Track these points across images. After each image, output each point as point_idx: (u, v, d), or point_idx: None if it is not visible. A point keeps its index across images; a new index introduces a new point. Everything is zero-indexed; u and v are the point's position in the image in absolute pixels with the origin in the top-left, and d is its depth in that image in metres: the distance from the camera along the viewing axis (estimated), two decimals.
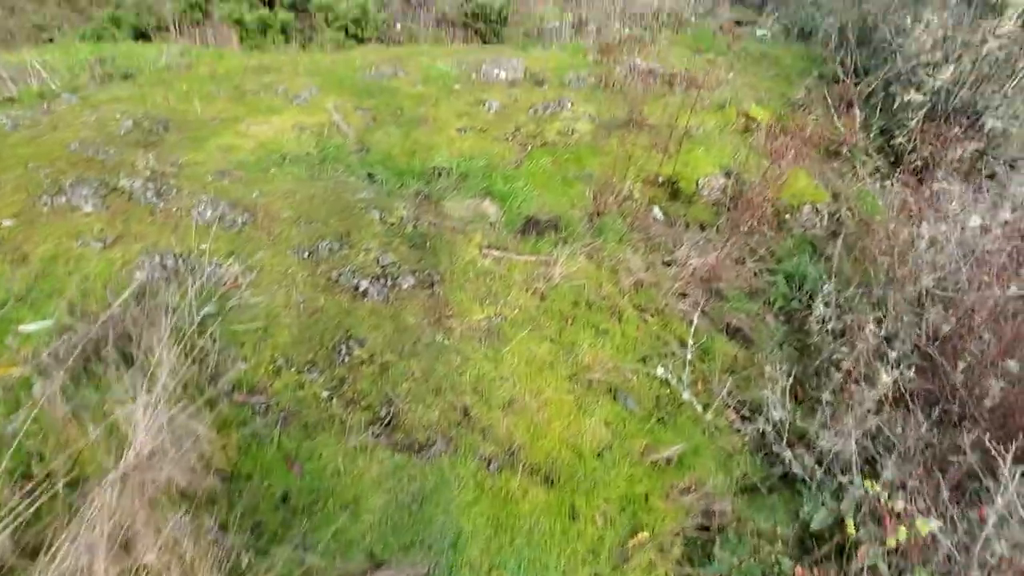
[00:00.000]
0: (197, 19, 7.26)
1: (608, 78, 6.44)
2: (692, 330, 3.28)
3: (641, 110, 6.01)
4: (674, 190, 5.09)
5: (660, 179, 5.14)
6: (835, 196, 5.54)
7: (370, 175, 4.60)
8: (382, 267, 3.26)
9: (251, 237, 3.39)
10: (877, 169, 5.72)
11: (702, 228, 4.85)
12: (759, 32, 8.76)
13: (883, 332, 3.56)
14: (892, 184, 5.76)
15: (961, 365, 3.09)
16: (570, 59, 7.16)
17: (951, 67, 4.77)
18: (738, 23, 11.15)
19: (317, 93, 5.65)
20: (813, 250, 5.04)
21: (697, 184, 5.05)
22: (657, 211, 4.91)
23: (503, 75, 6.24)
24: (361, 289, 3.11)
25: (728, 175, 5.19)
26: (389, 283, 3.19)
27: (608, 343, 3.28)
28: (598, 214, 4.66)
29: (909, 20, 5.00)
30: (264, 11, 6.93)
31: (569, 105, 5.86)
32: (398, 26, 8.78)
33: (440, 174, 4.71)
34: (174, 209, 3.57)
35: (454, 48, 7.75)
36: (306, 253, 3.28)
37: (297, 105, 5.38)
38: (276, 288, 3.04)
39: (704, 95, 6.23)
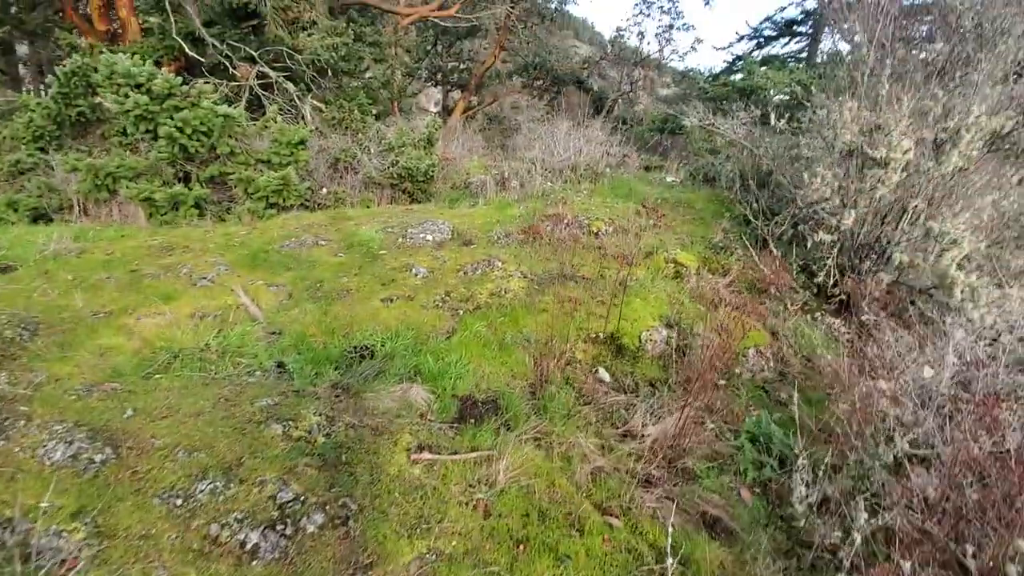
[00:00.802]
0: (104, 198, 6.86)
1: (536, 233, 6.44)
2: (669, 541, 2.72)
3: (572, 263, 5.94)
4: (618, 347, 4.81)
5: (601, 336, 4.86)
6: (773, 334, 5.46)
7: (280, 365, 4.02)
8: (280, 507, 2.57)
9: (110, 482, 2.64)
10: (805, 304, 5.78)
11: (652, 386, 4.50)
12: (668, 179, 9.42)
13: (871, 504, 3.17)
14: (821, 318, 5.81)
15: (971, 549, 2.69)
16: (497, 215, 7.22)
17: (851, 212, 5.03)
18: (647, 168, 12.12)
19: (226, 271, 5.19)
20: (767, 396, 4.79)
21: (640, 339, 4.80)
22: (603, 372, 4.55)
23: (430, 238, 6.10)
24: (249, 546, 2.38)
25: (670, 325, 5.01)
26: (289, 529, 2.49)
27: (571, 574, 2.64)
28: (541, 383, 4.23)
29: (805, 175, 5.35)
30: (177, 188, 6.66)
31: (499, 264, 5.69)
32: (324, 190, 8.77)
33: (362, 356, 4.20)
34: (16, 449, 2.80)
35: (381, 210, 7.70)
36: (179, 500, 2.55)
37: (201, 287, 4.86)
38: (130, 564, 2.26)
39: (630, 243, 6.30)
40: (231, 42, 10.59)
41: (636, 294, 5.37)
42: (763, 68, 12.85)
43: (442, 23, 19.50)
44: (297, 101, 10.88)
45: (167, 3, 9.99)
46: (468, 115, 23.76)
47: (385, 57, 14.02)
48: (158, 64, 11.49)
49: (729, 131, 6.71)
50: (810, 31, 24.10)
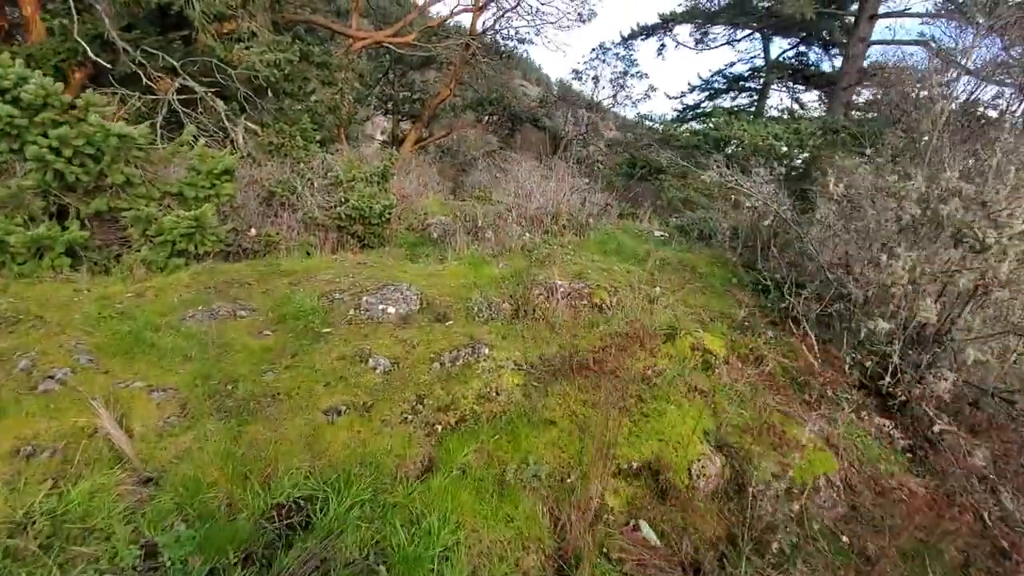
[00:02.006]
0: None
1: (525, 302, 5.11)
2: None
3: (576, 347, 4.64)
4: (659, 484, 3.49)
5: (635, 465, 3.54)
6: (828, 441, 4.35)
7: (151, 553, 2.41)
8: None
9: None
10: (856, 404, 4.73)
11: (717, 551, 3.19)
12: (656, 233, 8.43)
13: None
14: (869, 417, 4.76)
15: None
16: (472, 275, 5.84)
17: (927, 299, 4.05)
18: (620, 216, 11.16)
19: (88, 364, 3.49)
20: (852, 552, 3.61)
21: (689, 471, 3.51)
22: (646, 528, 3.21)
23: (392, 310, 4.61)
24: None
25: (720, 447, 3.76)
26: None
27: None
28: (568, 560, 2.83)
29: (881, 253, 4.35)
30: (43, 228, 4.83)
31: (486, 350, 4.29)
32: (252, 232, 7.09)
33: (291, 527, 2.65)
34: None
35: (324, 261, 6.13)
36: None
37: (42, 395, 3.14)
38: None
39: (642, 318, 5.09)
40: (148, 48, 8.80)
41: (666, 396, 4.11)
42: (728, 118, 12.43)
43: (397, 51, 18.33)
44: (227, 122, 9.17)
45: (71, 1, 8.15)
46: (419, 147, 22.50)
47: (335, 80, 12.54)
48: (59, 70, 9.50)
49: (753, 191, 5.76)
50: (759, 87, 24.88)
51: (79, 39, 8.21)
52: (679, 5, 25.57)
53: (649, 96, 26.93)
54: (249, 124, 10.02)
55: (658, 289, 5.84)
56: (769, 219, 6.49)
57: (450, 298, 5.15)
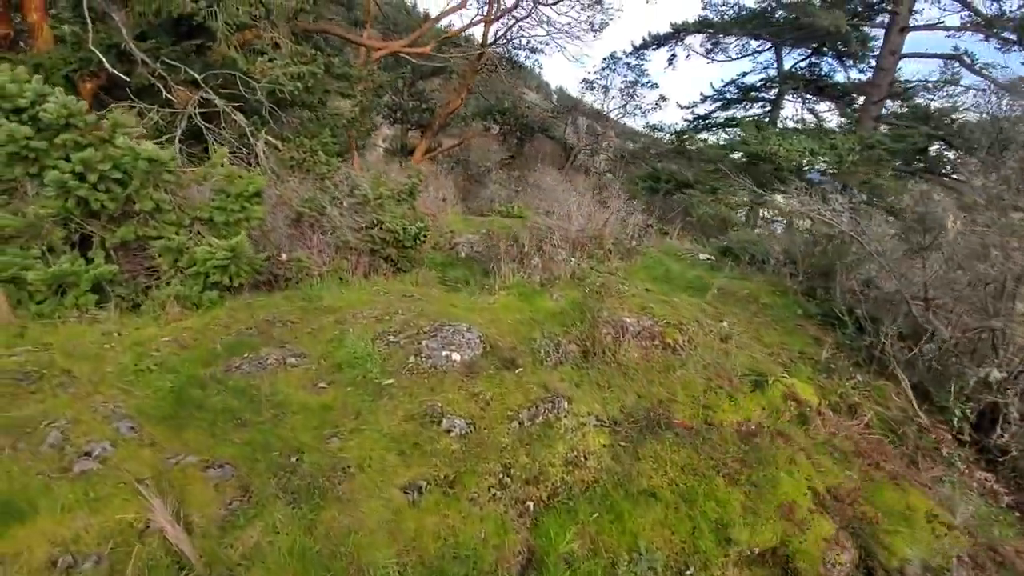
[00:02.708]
0: None
1: (593, 343, 4.66)
2: None
3: (658, 398, 4.18)
4: (786, 573, 3.03)
5: (757, 551, 3.08)
6: (943, 505, 3.89)
7: None
8: None
9: None
10: (968, 462, 4.28)
11: None
12: (701, 256, 8.00)
13: None
14: (969, 471, 4.32)
15: None
16: (528, 309, 5.39)
17: None
18: (663, 233, 10.73)
19: (130, 433, 3.01)
20: None
21: (823, 561, 3.05)
22: None
23: (457, 357, 4.14)
24: None
25: (845, 525, 3.31)
26: None
27: None
28: None
29: (997, 299, 3.91)
30: (65, 262, 4.35)
31: (565, 404, 3.83)
32: (283, 257, 6.62)
33: None
34: None
35: (367, 294, 5.66)
36: None
37: (80, 479, 2.66)
38: None
39: (720, 360, 4.64)
40: (168, 60, 8.35)
41: (772, 459, 3.65)
42: (760, 132, 11.97)
43: (413, 61, 17.92)
44: (250, 137, 8.71)
45: (85, 8, 7.69)
46: (428, 157, 22.06)
47: (354, 92, 12.10)
48: (69, 80, 9.03)
49: (832, 219, 5.32)
50: (771, 97, 24.57)
51: (94, 49, 7.74)
52: (693, 14, 25.25)
53: (660, 106, 26.45)
54: (270, 139, 9.56)
55: (726, 324, 5.39)
56: (825, 244, 6.06)
57: (511, 338, 4.69)
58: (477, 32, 19.83)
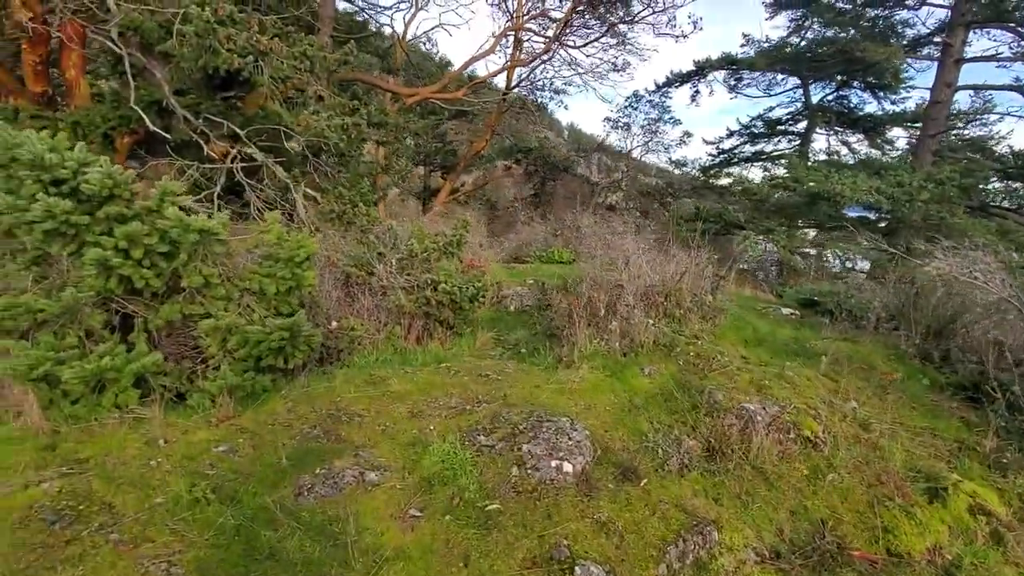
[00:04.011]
0: None
1: (716, 438, 3.88)
2: None
3: (817, 516, 3.37)
4: None
5: None
6: None
7: None
8: None
9: None
10: None
11: None
12: (784, 311, 7.22)
13: None
14: None
15: None
16: (620, 387, 4.65)
17: None
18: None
19: None
20: None
21: None
22: None
23: (569, 467, 3.39)
24: None
25: None
26: None
27: None
28: None
29: None
30: (106, 359, 3.72)
31: (714, 534, 3.05)
32: (334, 324, 6.00)
33: None
34: None
35: (438, 376, 4.96)
36: None
37: None
38: None
39: (871, 457, 3.82)
40: (209, 115, 7.99)
41: None
42: (828, 169, 11.28)
43: (445, 106, 17.74)
44: (292, 190, 8.25)
45: (127, 65, 7.39)
46: (453, 199, 21.73)
47: (390, 139, 11.76)
48: (107, 137, 8.72)
49: (986, 284, 4.57)
50: (799, 131, 24.09)
51: (136, 107, 7.39)
52: (716, 51, 25.19)
53: (685, 142, 26.04)
54: (308, 191, 9.11)
55: (854, 404, 4.59)
56: (938, 297, 5.27)
57: (619, 433, 3.93)
58: (501, 74, 19.72)
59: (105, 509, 2.79)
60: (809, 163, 14.59)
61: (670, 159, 27.26)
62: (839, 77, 21.39)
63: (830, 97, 22.78)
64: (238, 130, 7.80)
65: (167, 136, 7.67)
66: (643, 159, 27.87)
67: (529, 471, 3.34)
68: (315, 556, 2.64)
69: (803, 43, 20.20)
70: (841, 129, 22.90)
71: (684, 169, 26.38)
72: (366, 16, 16.70)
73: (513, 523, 2.97)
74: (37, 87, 8.97)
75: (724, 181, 24.19)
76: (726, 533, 3.08)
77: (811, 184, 10.17)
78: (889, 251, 5.14)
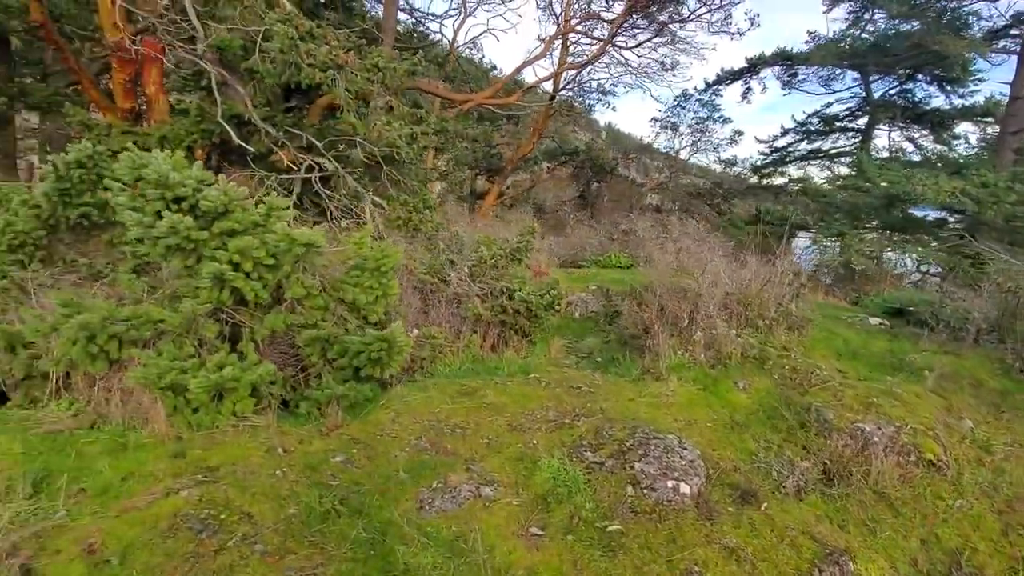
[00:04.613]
0: (100, 370, 4.07)
1: (832, 460, 3.71)
2: None
3: (950, 545, 3.17)
4: None
5: None
6: None
7: None
8: None
9: None
10: None
11: None
12: (872, 321, 6.88)
13: None
14: None
15: None
16: (716, 403, 4.52)
17: None
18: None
19: None
20: None
21: None
22: None
23: (685, 488, 3.31)
24: None
25: None
26: None
27: None
28: None
29: None
30: (227, 369, 3.86)
31: (849, 564, 2.91)
32: (415, 332, 6.08)
33: None
34: None
35: (530, 388, 4.92)
36: None
37: None
38: None
39: (997, 482, 3.57)
40: (288, 128, 8.25)
41: None
42: (907, 170, 10.70)
43: (493, 110, 17.80)
44: (366, 198, 8.43)
45: (213, 81, 7.70)
46: (499, 202, 21.72)
47: (448, 146, 11.89)
48: (190, 151, 9.12)
49: None
50: (858, 127, 23.00)
51: (222, 121, 7.69)
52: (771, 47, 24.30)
53: (736, 141, 25.26)
54: (376, 199, 9.28)
55: (969, 423, 4.31)
56: None
57: (727, 452, 3.82)
58: (548, 77, 19.61)
59: (245, 519, 2.89)
60: (875, 161, 13.89)
61: (718, 158, 26.55)
62: (904, 71, 20.31)
63: (893, 91, 21.65)
64: (316, 141, 8.01)
65: (249, 148, 7.94)
66: (690, 159, 27.25)
67: (645, 491, 3.27)
68: (451, 574, 2.65)
69: (864, 36, 19.26)
70: (905, 124, 21.74)
71: (734, 169, 25.65)
72: (424, 26, 16.94)
73: (638, 546, 2.91)
74: (126, 104, 9.45)
75: (778, 181, 23.38)
76: (860, 563, 2.93)
77: (884, 184, 9.64)
78: (1002, 256, 4.77)
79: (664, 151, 27.47)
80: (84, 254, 6.33)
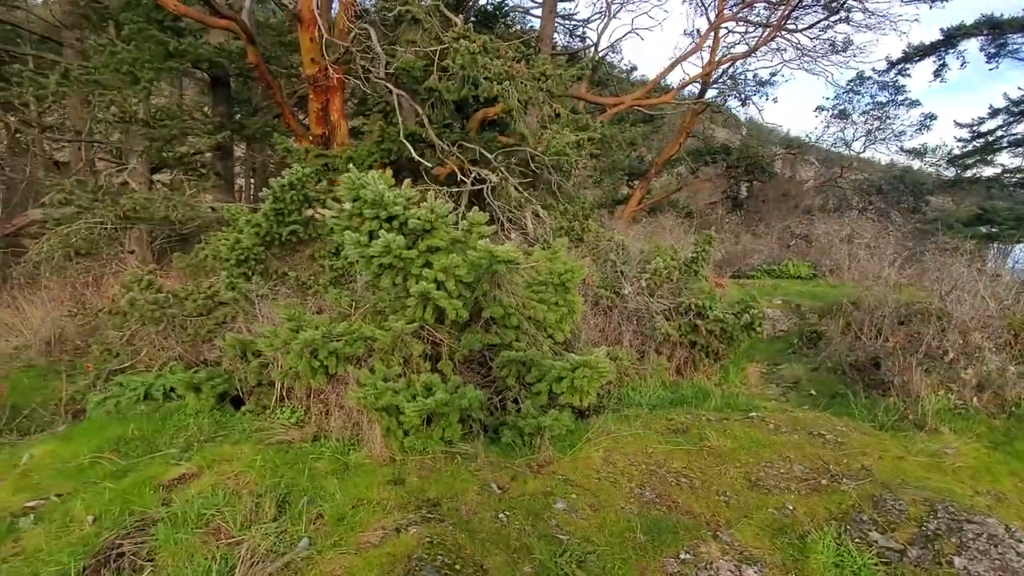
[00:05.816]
0: (319, 384, 4.16)
1: None
2: None
3: None
4: None
5: None
6: None
7: None
8: None
9: None
10: None
11: None
12: None
13: None
14: None
15: None
16: (1013, 468, 3.36)
17: None
18: None
19: None
20: None
21: None
22: None
23: None
24: None
25: None
26: None
27: None
28: None
29: None
30: (438, 392, 3.68)
31: None
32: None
33: None
34: None
35: (756, 430, 4.15)
36: None
37: None
38: None
39: None
40: (458, 141, 8.34)
41: None
42: None
43: (645, 112, 16.84)
44: (528, 208, 8.22)
45: (396, 104, 8.00)
46: (641, 207, 20.48)
47: (605, 152, 11.33)
48: (370, 168, 9.69)
49: None
50: None
51: (404, 140, 7.96)
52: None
53: (928, 126, 21.16)
54: (537, 208, 9.03)
55: None
56: None
57: None
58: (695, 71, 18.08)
59: (480, 573, 2.58)
60: None
61: (900, 148, 22.50)
62: None
63: None
64: (488, 154, 7.96)
65: (426, 163, 8.13)
66: (863, 152, 23.46)
67: None
68: None
69: None
70: None
71: (924, 160, 21.61)
72: (581, 31, 16.60)
73: None
74: (319, 129, 10.29)
75: (988, 172, 19.10)
76: None
77: None
78: None
79: (829, 144, 24.04)
80: (292, 267, 6.85)
